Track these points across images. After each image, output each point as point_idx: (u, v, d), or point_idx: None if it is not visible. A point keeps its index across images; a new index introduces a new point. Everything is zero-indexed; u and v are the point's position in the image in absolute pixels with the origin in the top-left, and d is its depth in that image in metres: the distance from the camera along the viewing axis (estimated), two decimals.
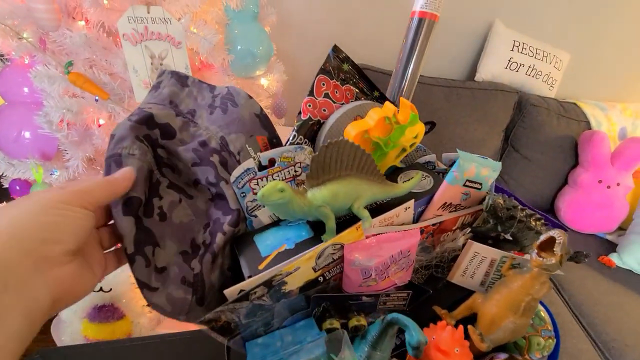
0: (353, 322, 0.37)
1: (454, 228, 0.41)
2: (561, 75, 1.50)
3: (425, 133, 0.45)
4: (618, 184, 1.32)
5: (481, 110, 1.36)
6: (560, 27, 1.47)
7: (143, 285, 0.30)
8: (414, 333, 0.27)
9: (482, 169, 0.38)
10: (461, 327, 0.33)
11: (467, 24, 1.41)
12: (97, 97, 0.72)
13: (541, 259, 0.31)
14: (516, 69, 1.40)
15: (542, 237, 0.32)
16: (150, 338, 0.53)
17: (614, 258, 1.25)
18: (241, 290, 0.31)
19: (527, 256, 0.36)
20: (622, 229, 1.39)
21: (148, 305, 0.31)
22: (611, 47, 1.56)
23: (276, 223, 0.38)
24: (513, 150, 1.45)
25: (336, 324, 0.37)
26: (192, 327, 0.48)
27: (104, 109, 0.74)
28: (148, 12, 0.70)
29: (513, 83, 1.43)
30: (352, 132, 0.36)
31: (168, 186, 0.36)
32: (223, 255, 0.35)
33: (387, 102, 0.37)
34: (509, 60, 1.38)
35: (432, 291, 0.39)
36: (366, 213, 0.34)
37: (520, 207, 0.38)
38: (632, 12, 1.47)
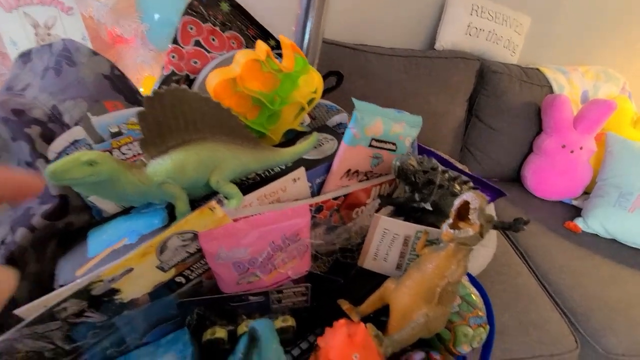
0: (243, 328, 0.30)
1: (367, 202, 0.33)
2: (522, 40, 1.44)
3: (332, 88, 0.36)
4: (581, 148, 1.29)
5: (442, 80, 1.30)
6: None
7: None
8: (263, 353, 0.19)
9: (394, 124, 0.31)
10: (362, 325, 0.25)
11: None
12: None
13: (453, 230, 0.24)
14: (476, 35, 1.33)
15: (455, 204, 0.24)
16: None
17: (579, 223, 1.23)
18: (44, 307, 0.22)
19: None
20: (587, 193, 1.37)
21: None
22: (572, 9, 1.51)
23: (127, 211, 0.29)
24: (477, 120, 1.39)
25: (221, 332, 0.29)
26: None
27: None
28: None
29: (474, 50, 1.37)
30: (212, 82, 0.27)
31: None
32: (40, 260, 0.26)
33: (259, 41, 0.28)
34: (469, 26, 1.31)
35: (343, 281, 0.32)
36: (233, 188, 0.26)
37: (441, 169, 0.31)
38: None
